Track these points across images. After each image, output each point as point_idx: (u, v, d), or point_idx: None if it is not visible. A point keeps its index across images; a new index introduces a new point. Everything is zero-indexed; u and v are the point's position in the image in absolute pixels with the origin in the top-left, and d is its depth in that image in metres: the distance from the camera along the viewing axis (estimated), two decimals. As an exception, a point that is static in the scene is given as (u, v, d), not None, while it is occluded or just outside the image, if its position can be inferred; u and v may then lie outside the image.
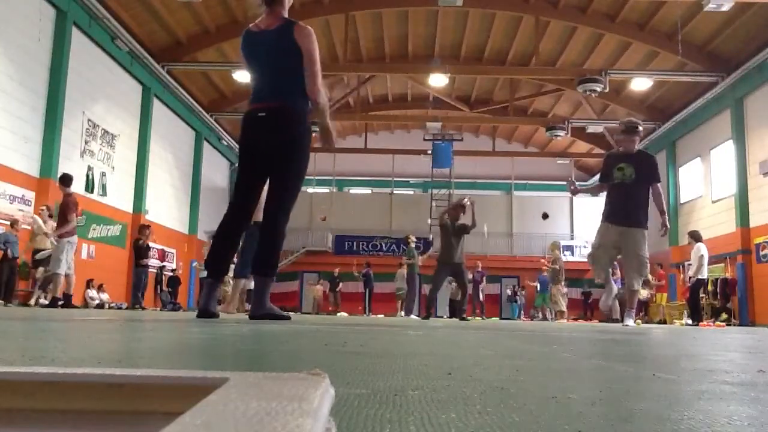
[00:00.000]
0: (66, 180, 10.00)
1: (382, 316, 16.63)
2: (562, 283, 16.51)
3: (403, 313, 12.00)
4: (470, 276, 16.52)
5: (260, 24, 4.26)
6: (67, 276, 9.94)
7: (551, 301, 17.35)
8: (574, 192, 7.15)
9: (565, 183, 7.12)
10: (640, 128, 6.87)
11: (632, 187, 6.53)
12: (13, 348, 1.45)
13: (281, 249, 4.37)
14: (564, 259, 17.71)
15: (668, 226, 6.84)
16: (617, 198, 6.60)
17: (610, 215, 6.64)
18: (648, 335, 4.01)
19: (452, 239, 10.27)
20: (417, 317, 12.14)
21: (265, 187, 4.30)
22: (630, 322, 6.83)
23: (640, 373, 1.23)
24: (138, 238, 14.43)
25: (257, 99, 4.21)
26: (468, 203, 10.59)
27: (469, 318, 12.36)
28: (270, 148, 4.14)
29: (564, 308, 16.54)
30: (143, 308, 13.80)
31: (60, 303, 9.70)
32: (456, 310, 18.71)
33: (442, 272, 10.50)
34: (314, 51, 4.14)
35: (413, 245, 15.18)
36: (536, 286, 19.94)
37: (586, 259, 7.04)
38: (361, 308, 22.71)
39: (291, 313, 5.81)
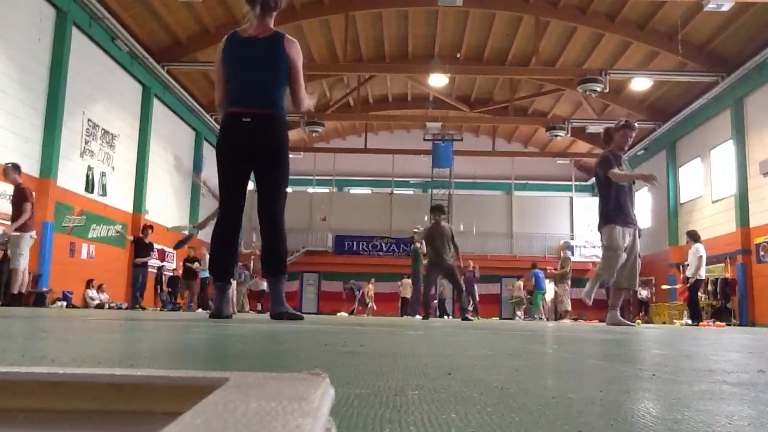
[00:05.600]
0: (18, 168, 9.33)
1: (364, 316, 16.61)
2: (568, 282, 16.57)
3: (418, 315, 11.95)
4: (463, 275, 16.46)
5: (249, 31, 4.33)
6: (16, 272, 9.27)
7: (558, 300, 17.44)
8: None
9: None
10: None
11: (631, 188, 6.71)
12: (13, 348, 1.45)
13: (287, 247, 4.51)
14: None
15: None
16: (625, 199, 6.65)
17: (622, 217, 6.59)
18: (648, 335, 4.01)
19: (439, 240, 10.31)
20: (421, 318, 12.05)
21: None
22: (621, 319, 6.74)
23: (640, 373, 1.23)
24: (141, 238, 14.49)
25: (242, 103, 4.26)
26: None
27: (472, 318, 12.33)
28: (258, 153, 4.27)
29: (569, 307, 16.61)
30: (143, 308, 13.81)
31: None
32: (444, 310, 18.84)
33: (434, 273, 10.62)
34: (301, 63, 4.39)
35: (419, 245, 15.06)
36: (531, 282, 20.01)
37: (601, 262, 6.89)
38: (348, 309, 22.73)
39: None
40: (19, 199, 9.10)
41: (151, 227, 14.98)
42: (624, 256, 6.56)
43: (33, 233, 9.38)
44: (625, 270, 6.62)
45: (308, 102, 4.59)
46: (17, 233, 9.12)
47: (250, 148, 4.24)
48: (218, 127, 19.02)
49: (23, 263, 9.24)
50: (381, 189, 30.39)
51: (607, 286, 7.09)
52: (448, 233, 10.37)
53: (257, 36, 4.29)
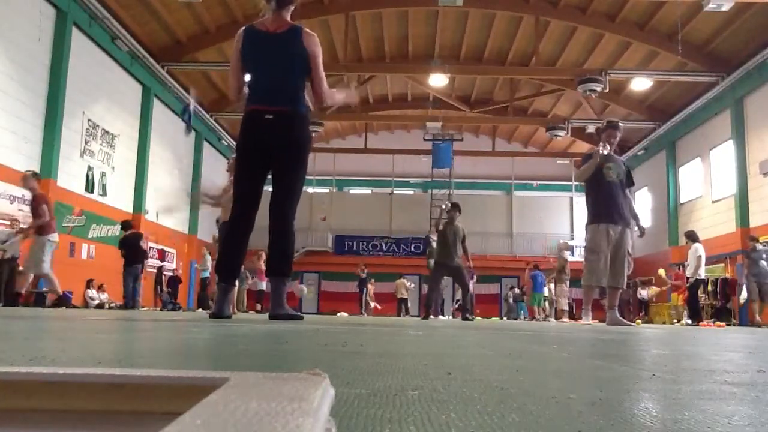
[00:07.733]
0: (36, 175, 9.69)
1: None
2: (566, 282, 16.58)
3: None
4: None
5: (267, 25, 4.25)
6: (24, 274, 9.49)
7: (555, 299, 17.46)
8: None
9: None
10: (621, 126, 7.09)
11: (620, 188, 6.74)
12: (13, 348, 1.45)
13: (294, 248, 4.44)
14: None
15: (644, 229, 7.25)
16: (610, 198, 6.64)
17: (605, 216, 6.60)
18: (648, 335, 4.01)
19: (449, 240, 10.19)
20: (443, 317, 11.91)
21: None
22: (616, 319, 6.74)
23: (640, 373, 1.23)
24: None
25: (263, 100, 4.20)
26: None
27: (472, 318, 12.30)
28: (277, 151, 4.18)
29: (566, 307, 16.63)
30: (142, 307, 13.80)
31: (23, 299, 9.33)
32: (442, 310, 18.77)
33: (439, 273, 10.46)
34: (320, 56, 4.29)
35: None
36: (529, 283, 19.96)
37: (584, 266, 6.95)
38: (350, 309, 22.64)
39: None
40: (36, 205, 9.22)
41: (130, 223, 14.88)
42: (606, 257, 6.54)
43: (52, 236, 9.35)
44: (613, 268, 6.58)
45: (336, 96, 4.52)
46: (36, 236, 9.16)
47: (269, 145, 4.17)
48: (218, 127, 18.97)
49: (46, 268, 9.22)
50: (381, 189, 30.39)
51: (602, 287, 7.10)
52: (461, 233, 10.25)
53: (275, 31, 4.21)
